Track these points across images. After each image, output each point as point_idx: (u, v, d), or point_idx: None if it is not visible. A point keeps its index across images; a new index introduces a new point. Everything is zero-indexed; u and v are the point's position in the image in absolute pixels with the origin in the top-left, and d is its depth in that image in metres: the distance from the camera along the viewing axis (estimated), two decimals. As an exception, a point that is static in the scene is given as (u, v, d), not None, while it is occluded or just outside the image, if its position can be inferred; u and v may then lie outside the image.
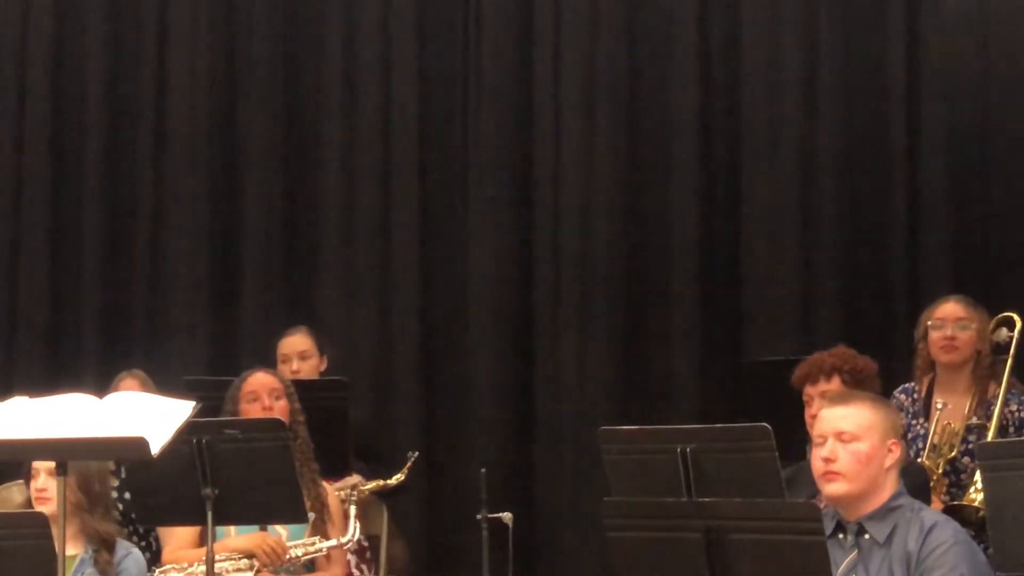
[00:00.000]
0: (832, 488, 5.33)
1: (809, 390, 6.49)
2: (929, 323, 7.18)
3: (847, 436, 5.32)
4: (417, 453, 7.83)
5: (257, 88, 9.27)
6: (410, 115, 9.12)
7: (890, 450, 5.42)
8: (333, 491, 7.00)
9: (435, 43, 9.20)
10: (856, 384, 6.40)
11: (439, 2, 9.23)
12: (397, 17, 9.19)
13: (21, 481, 6.75)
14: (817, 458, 5.36)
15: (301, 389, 7.18)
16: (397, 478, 7.58)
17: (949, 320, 7.14)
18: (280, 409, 6.80)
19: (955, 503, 6.59)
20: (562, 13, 8.99)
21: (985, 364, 7.11)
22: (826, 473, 5.32)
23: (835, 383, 6.44)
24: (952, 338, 7.13)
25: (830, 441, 5.32)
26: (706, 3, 8.91)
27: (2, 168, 9.41)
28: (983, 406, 7.03)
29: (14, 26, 9.47)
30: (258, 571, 6.59)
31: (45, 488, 6.22)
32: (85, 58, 9.41)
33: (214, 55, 9.33)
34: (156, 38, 9.40)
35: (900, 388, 7.26)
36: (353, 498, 7.17)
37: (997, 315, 7.19)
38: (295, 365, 7.90)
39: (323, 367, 8.06)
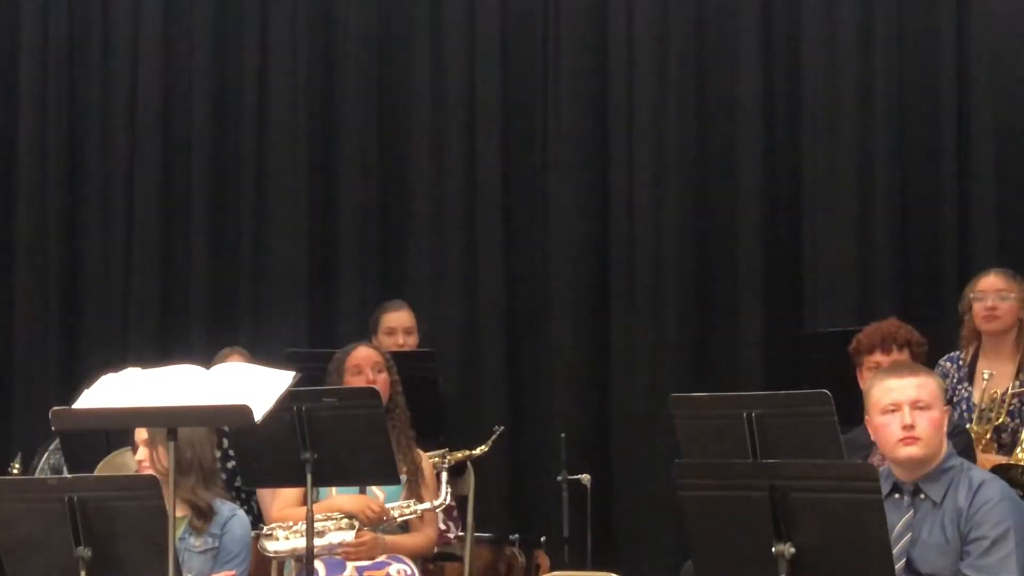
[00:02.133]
0: (911, 451, 5.34)
1: (879, 358, 6.46)
2: (972, 295, 7.15)
3: (922, 404, 5.34)
4: (502, 427, 7.84)
5: (352, 84, 9.26)
6: (493, 107, 9.10)
7: (945, 415, 5.43)
8: (427, 457, 7.00)
9: (517, 37, 9.17)
10: (916, 356, 6.43)
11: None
12: (482, 12, 9.15)
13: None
14: (891, 424, 5.35)
15: (396, 359, 7.17)
16: (482, 449, 7.63)
17: (990, 292, 7.11)
18: (381, 381, 6.81)
19: (1001, 463, 6.52)
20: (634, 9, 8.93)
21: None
22: (905, 438, 5.32)
23: (905, 354, 6.45)
24: (993, 308, 7.10)
25: (907, 409, 5.33)
26: (769, 10, 8.86)
27: (115, 157, 9.42)
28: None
29: (125, 33, 9.51)
30: (359, 530, 6.59)
31: (143, 459, 6.24)
32: (191, 56, 9.44)
33: (312, 55, 9.33)
34: (258, 39, 9.41)
35: (945, 356, 7.22)
36: (444, 465, 7.19)
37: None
38: (400, 339, 7.93)
39: (415, 343, 8.05)
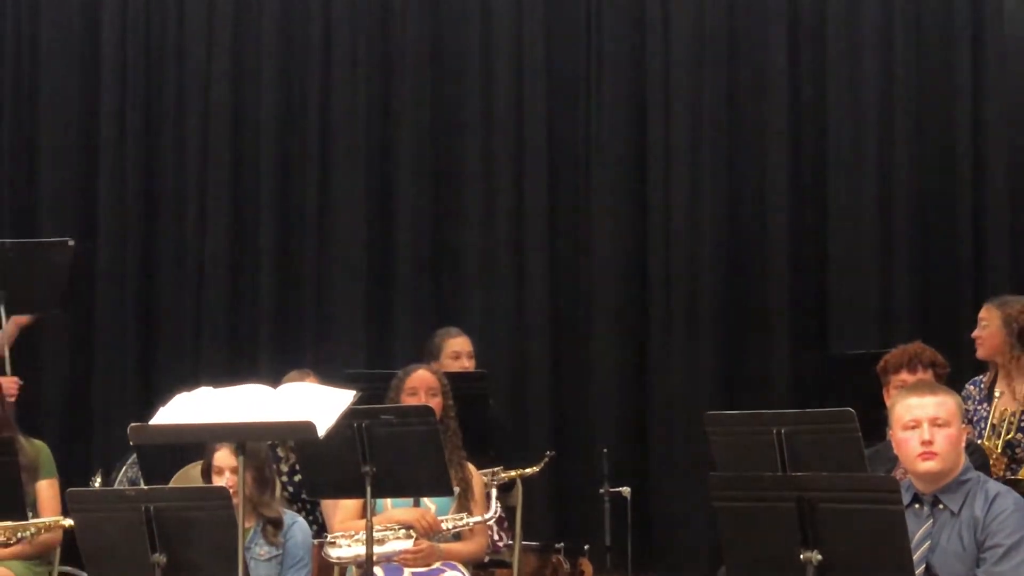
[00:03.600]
0: (929, 465, 5.32)
1: (905, 376, 6.45)
2: None
3: (941, 421, 5.33)
4: (553, 453, 7.84)
5: (407, 131, 9.29)
6: (539, 143, 9.13)
7: (963, 432, 5.43)
8: (478, 474, 7.01)
9: (561, 75, 9.19)
10: (939, 377, 6.40)
11: (562, 30, 9.20)
12: (528, 45, 9.16)
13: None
14: (911, 439, 5.34)
15: (449, 380, 7.19)
16: (532, 470, 7.60)
17: (979, 322, 7.19)
18: (436, 404, 6.80)
19: (1012, 477, 6.51)
20: (671, 41, 8.96)
21: (1019, 353, 7.05)
22: (924, 453, 5.32)
23: (929, 374, 6.42)
24: (976, 337, 7.17)
25: (926, 425, 5.32)
26: (796, 38, 8.87)
27: (188, 184, 9.45)
28: None
29: (197, 41, 9.52)
30: (415, 540, 6.61)
31: (221, 470, 6.27)
32: (259, 105, 9.45)
33: (371, 120, 9.34)
34: (321, 58, 9.42)
35: (971, 380, 7.23)
36: (495, 482, 7.21)
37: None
38: (465, 362, 7.90)
39: (471, 363, 8.06)
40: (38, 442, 7.28)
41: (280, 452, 7.25)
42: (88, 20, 9.58)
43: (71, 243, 7.81)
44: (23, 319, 7.94)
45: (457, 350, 7.94)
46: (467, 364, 7.87)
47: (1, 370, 7.64)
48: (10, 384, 7.61)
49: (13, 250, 7.58)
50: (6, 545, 6.90)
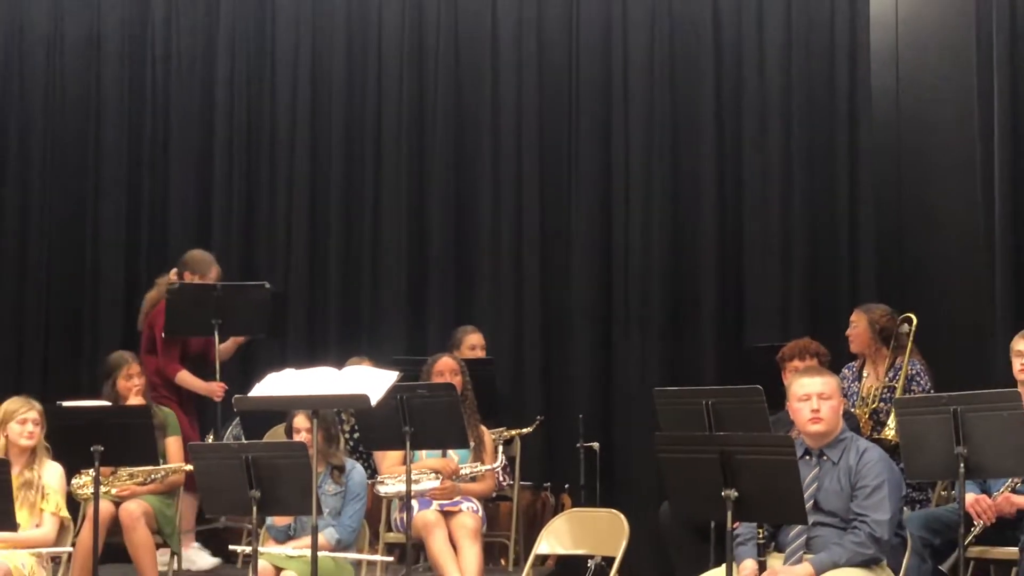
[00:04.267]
0: (817, 427, 5.36)
1: (796, 363, 6.49)
2: None
3: (825, 395, 5.37)
4: (542, 417, 7.95)
5: (436, 170, 9.20)
6: (533, 188, 9.06)
7: (840, 403, 5.46)
8: (488, 432, 7.03)
9: (549, 133, 9.13)
10: (822, 363, 6.44)
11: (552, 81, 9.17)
12: (527, 110, 9.12)
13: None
14: (803, 408, 5.37)
15: (467, 364, 7.21)
16: (527, 430, 7.65)
17: (851, 323, 7.24)
18: (457, 382, 6.84)
19: (876, 436, 6.53)
20: (630, 119, 8.94)
21: (883, 345, 7.06)
22: (813, 419, 5.35)
23: (815, 361, 6.46)
24: (848, 335, 7.23)
25: (814, 399, 5.36)
26: (720, 107, 8.81)
27: (278, 224, 9.39)
28: (892, 371, 6.99)
29: (285, 90, 9.43)
30: (442, 481, 6.62)
31: (300, 430, 6.27)
32: (329, 139, 9.40)
33: (410, 140, 9.24)
34: (373, 123, 9.33)
35: (846, 365, 7.26)
36: (500, 440, 7.25)
37: (904, 314, 7.12)
38: (479, 352, 7.90)
39: (483, 352, 8.07)
40: (166, 408, 7.33)
41: (344, 416, 7.26)
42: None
43: (267, 286, 7.89)
44: (239, 339, 8.04)
45: (474, 343, 7.96)
46: (480, 353, 7.89)
47: (214, 376, 7.72)
48: (218, 388, 7.69)
49: (222, 290, 7.64)
50: (143, 484, 6.94)
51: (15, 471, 6.08)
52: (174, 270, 7.97)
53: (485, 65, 9.17)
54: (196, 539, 7.71)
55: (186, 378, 7.73)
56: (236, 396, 6.26)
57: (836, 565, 5.13)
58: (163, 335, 7.66)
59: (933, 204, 8.57)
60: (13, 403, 6.38)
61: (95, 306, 9.50)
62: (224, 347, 7.82)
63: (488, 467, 6.86)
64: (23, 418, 6.30)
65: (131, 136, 9.57)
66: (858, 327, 7.14)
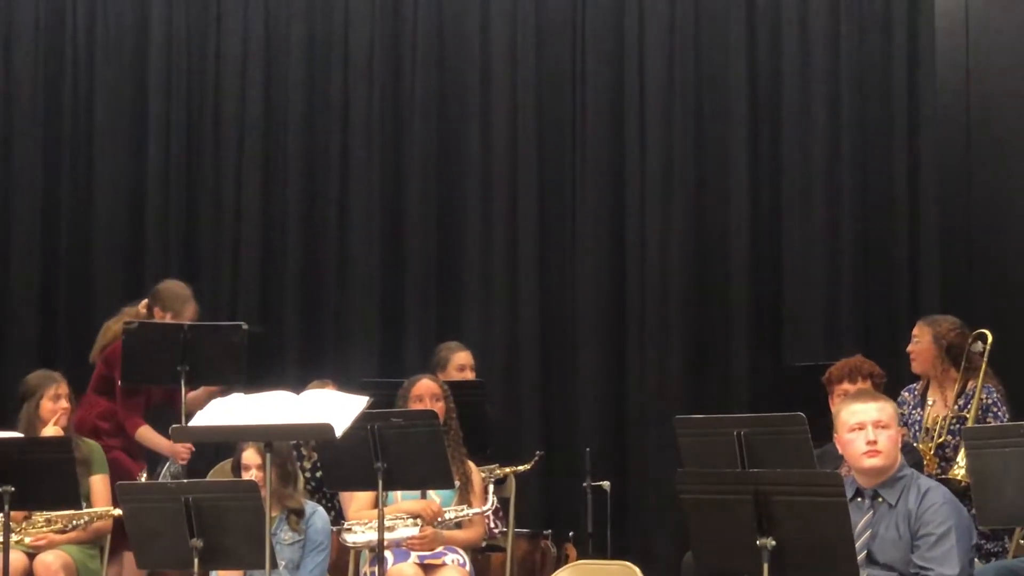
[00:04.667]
0: (874, 462, 5.35)
1: (847, 386, 6.50)
2: None
3: (882, 423, 5.35)
4: (542, 453, 7.87)
5: (416, 162, 9.24)
6: (531, 188, 9.12)
7: (899, 433, 5.46)
8: (477, 470, 7.01)
9: (549, 127, 9.17)
10: (876, 386, 6.44)
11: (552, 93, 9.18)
12: (521, 71, 9.17)
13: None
14: (857, 439, 5.36)
15: (452, 388, 7.18)
16: (524, 467, 7.62)
17: (913, 339, 7.19)
18: (439, 408, 6.80)
19: (942, 476, 6.50)
20: (646, 103, 8.96)
21: (952, 366, 7.02)
22: (869, 452, 5.34)
23: (868, 383, 6.46)
24: (910, 352, 7.17)
25: (870, 428, 5.35)
26: (755, 99, 8.88)
27: (224, 229, 9.41)
28: (963, 397, 6.94)
29: (233, 80, 9.47)
30: (422, 528, 6.60)
31: (249, 466, 6.24)
32: (286, 139, 9.41)
33: (384, 169, 9.30)
34: (341, 114, 9.38)
35: (906, 388, 7.22)
36: (491, 479, 7.22)
37: (977, 329, 7.09)
38: (468, 373, 7.91)
39: (471, 373, 8.06)
40: (91, 441, 7.28)
41: (304, 450, 7.23)
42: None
43: (245, 326, 7.78)
44: (212, 388, 7.81)
45: (462, 363, 7.96)
46: (469, 374, 7.89)
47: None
48: (184, 450, 7.52)
49: (190, 331, 7.53)
50: (63, 531, 6.90)
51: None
52: (144, 301, 7.90)
53: (472, 48, 9.25)
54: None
55: (148, 435, 7.63)
56: (174, 427, 6.23)
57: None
58: (120, 383, 7.59)
59: (1009, 199, 8.59)
60: None
61: (2, 322, 9.52)
62: (193, 396, 7.69)
63: (476, 511, 6.82)
64: None
65: (47, 128, 9.56)
66: (921, 343, 7.11)
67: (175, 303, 7.85)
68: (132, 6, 9.56)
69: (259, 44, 9.41)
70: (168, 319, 7.77)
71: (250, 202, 9.36)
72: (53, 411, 7.11)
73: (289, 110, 9.38)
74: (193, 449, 7.55)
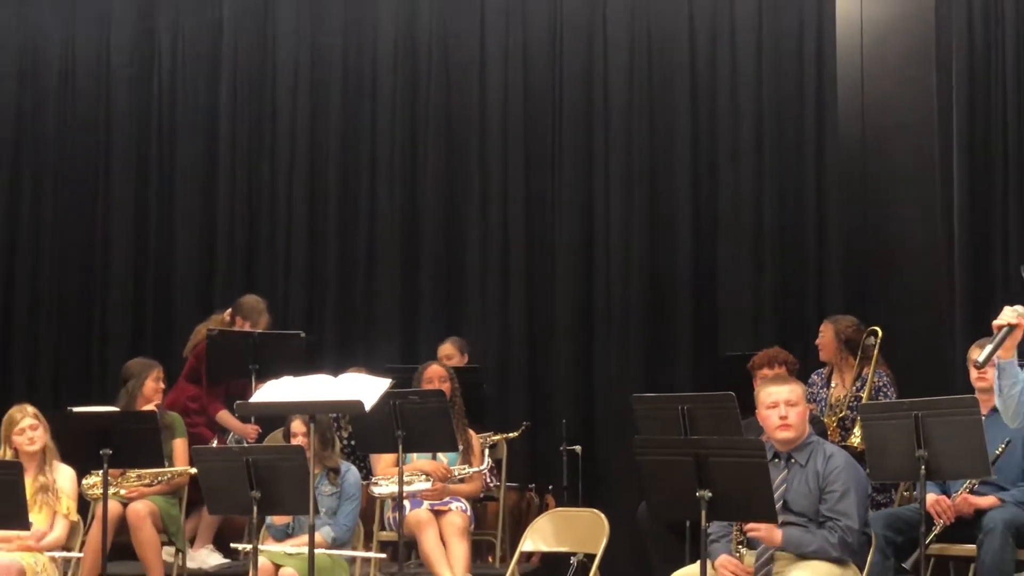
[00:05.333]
0: (785, 434, 5.35)
1: (767, 371, 6.51)
2: None
3: (792, 402, 5.35)
4: (528, 424, 7.92)
5: (428, 195, 9.19)
6: (518, 211, 9.03)
7: (807, 409, 5.45)
8: (476, 437, 7.03)
9: (534, 162, 9.09)
10: (790, 371, 6.46)
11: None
12: (512, 138, 9.09)
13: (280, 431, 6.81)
14: (772, 415, 5.36)
15: (456, 372, 7.21)
16: (514, 435, 7.62)
17: (819, 333, 7.19)
18: (445, 388, 6.83)
19: (843, 443, 6.52)
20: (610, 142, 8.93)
21: (850, 355, 7.02)
22: (781, 425, 5.34)
23: (782, 369, 6.46)
24: (818, 344, 7.18)
25: (782, 405, 5.35)
26: (697, 137, 8.81)
27: (277, 244, 9.34)
28: (859, 380, 6.96)
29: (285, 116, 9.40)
30: (432, 482, 6.61)
31: (296, 434, 6.25)
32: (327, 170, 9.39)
33: (404, 165, 9.21)
34: (370, 141, 9.31)
35: (815, 372, 7.22)
36: (487, 443, 7.25)
37: (870, 327, 7.10)
38: (455, 361, 7.89)
39: (464, 361, 8.05)
40: (173, 413, 7.27)
41: (341, 421, 7.24)
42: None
43: (302, 335, 7.81)
44: None
45: (445, 353, 7.99)
46: (457, 362, 7.84)
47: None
48: (252, 431, 7.60)
49: (260, 338, 7.56)
50: (150, 485, 6.91)
51: (31, 476, 6.05)
52: (228, 310, 7.91)
53: (473, 92, 9.15)
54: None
55: (226, 418, 7.63)
56: (238, 402, 6.26)
57: (803, 547, 5.14)
58: (205, 378, 7.61)
59: (896, 225, 8.55)
60: (10, 416, 6.33)
61: (103, 319, 9.49)
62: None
63: (476, 469, 6.85)
64: (20, 428, 6.25)
65: (139, 156, 9.55)
66: (825, 336, 7.13)
67: (252, 314, 7.86)
68: (205, 70, 9.52)
69: (305, 99, 9.34)
70: (247, 327, 7.77)
71: (297, 227, 9.29)
72: (155, 391, 7.12)
73: (330, 148, 9.33)
74: (260, 431, 7.57)
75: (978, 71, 8.14)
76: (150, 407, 6.97)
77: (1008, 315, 4.25)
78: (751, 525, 5.15)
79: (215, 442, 7.50)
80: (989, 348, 4.28)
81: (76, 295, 9.55)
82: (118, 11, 9.57)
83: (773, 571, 5.17)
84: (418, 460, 6.75)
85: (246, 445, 7.07)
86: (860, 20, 9.01)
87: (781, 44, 8.67)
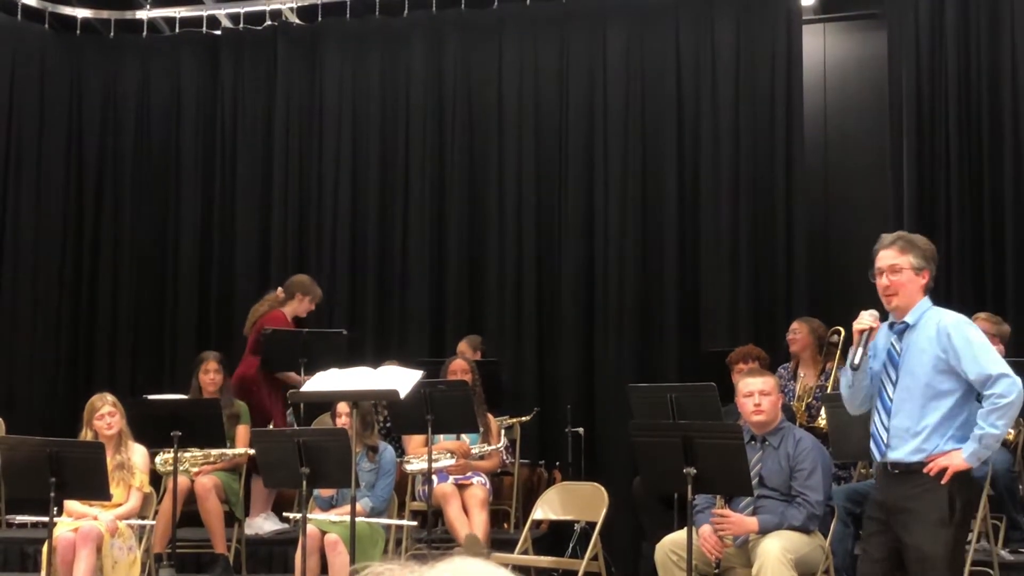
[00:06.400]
0: (759, 419, 5.34)
1: (742, 365, 6.49)
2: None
3: (765, 392, 5.34)
4: (538, 409, 7.94)
5: (454, 215, 9.17)
6: (530, 232, 9.03)
7: (779, 399, 5.42)
8: (494, 420, 7.04)
9: (543, 193, 9.08)
10: (763, 365, 6.45)
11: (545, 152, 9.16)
12: (526, 176, 9.09)
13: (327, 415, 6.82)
14: (748, 403, 5.36)
15: (477, 365, 7.22)
16: (526, 418, 7.65)
17: (792, 331, 7.10)
18: (468, 379, 6.85)
19: (810, 425, 6.51)
20: (609, 174, 8.93)
21: (818, 351, 7.00)
22: (755, 411, 5.32)
23: (755, 364, 6.43)
24: (792, 340, 7.09)
25: (756, 395, 5.34)
26: (683, 164, 8.81)
27: (339, 272, 9.35)
28: (824, 374, 6.94)
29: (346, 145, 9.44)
30: (456, 459, 6.63)
31: (346, 423, 6.29)
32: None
33: (430, 169, 9.24)
34: (403, 183, 9.34)
35: (781, 366, 7.18)
36: (503, 426, 7.25)
37: (834, 327, 7.09)
38: (468, 355, 7.83)
39: (478, 356, 7.98)
40: (240, 402, 7.29)
41: (379, 407, 7.25)
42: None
43: (344, 332, 7.79)
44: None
45: (461, 350, 7.97)
46: (470, 356, 7.78)
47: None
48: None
49: (308, 335, 7.54)
50: (214, 463, 6.94)
51: (109, 455, 6.09)
52: (279, 289, 7.84)
53: (492, 126, 9.16)
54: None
55: (282, 376, 7.63)
56: (291, 391, 6.27)
57: (779, 527, 5.13)
58: (260, 369, 7.55)
59: (856, 229, 8.54)
60: (92, 403, 6.35)
61: (174, 319, 9.58)
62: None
63: (493, 447, 6.86)
64: (100, 414, 6.28)
65: (204, 184, 9.65)
66: (801, 334, 7.06)
67: (310, 288, 7.80)
68: (262, 106, 9.59)
69: (347, 132, 9.38)
70: (306, 301, 7.72)
71: (341, 241, 9.31)
72: (209, 380, 7.15)
73: (370, 179, 9.35)
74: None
75: (924, 106, 8.12)
76: (213, 395, 7.00)
77: (867, 320, 4.37)
78: (724, 525, 5.13)
79: (271, 425, 7.53)
80: (859, 351, 4.35)
81: (150, 299, 9.64)
82: (186, 61, 9.73)
83: (750, 539, 5.18)
84: (444, 440, 6.76)
85: (297, 428, 7.10)
86: (824, 60, 9.08)
87: (756, 79, 8.64)
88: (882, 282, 4.40)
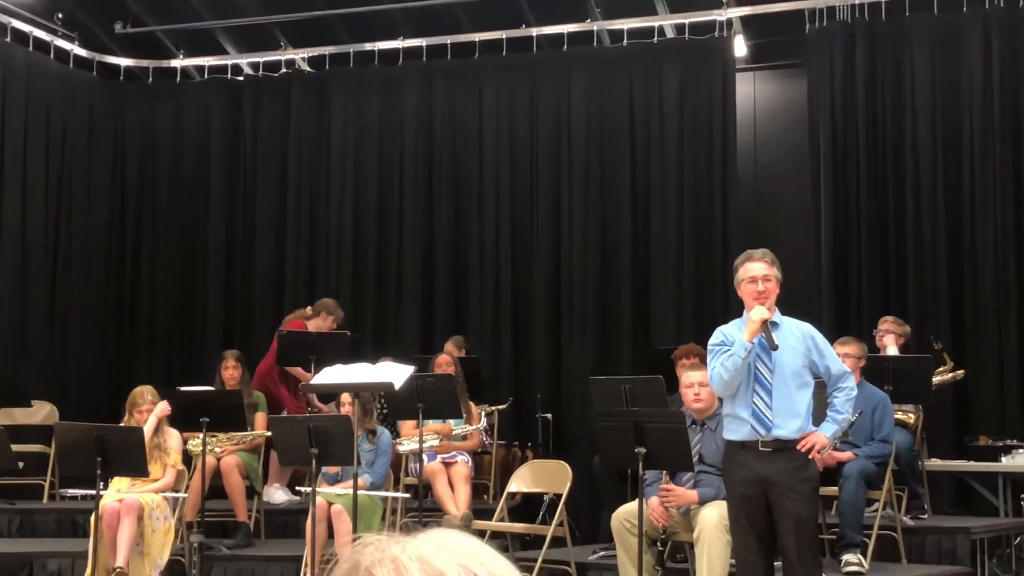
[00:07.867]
0: (698, 406, 5.32)
1: (685, 361, 6.42)
2: None
3: (704, 383, 5.28)
4: (513, 397, 7.92)
5: (441, 230, 9.15)
6: (506, 251, 8.97)
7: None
8: (475, 407, 7.00)
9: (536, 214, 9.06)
10: (702, 361, 6.31)
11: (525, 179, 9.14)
12: (519, 203, 9.04)
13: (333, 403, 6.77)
14: (689, 392, 5.35)
15: (460, 361, 7.18)
16: (503, 406, 7.61)
17: None
18: (452, 372, 6.79)
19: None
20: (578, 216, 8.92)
21: None
22: (695, 399, 5.32)
23: (696, 359, 6.38)
24: None
25: (696, 386, 5.32)
26: (635, 193, 8.81)
27: (342, 286, 9.31)
28: None
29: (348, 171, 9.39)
30: (442, 440, 6.59)
31: (345, 403, 6.24)
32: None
33: (420, 189, 9.23)
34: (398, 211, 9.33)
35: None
36: (483, 411, 7.18)
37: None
38: (454, 354, 7.77)
39: (462, 353, 7.94)
40: (258, 392, 7.24)
41: (377, 397, 7.21)
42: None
43: (349, 334, 7.69)
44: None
45: (447, 348, 7.86)
46: (456, 353, 7.71)
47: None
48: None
49: (316, 336, 7.45)
50: (236, 445, 6.89)
51: (147, 438, 6.04)
52: (310, 308, 7.87)
53: (473, 161, 9.11)
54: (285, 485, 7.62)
55: (296, 371, 7.61)
56: (302, 384, 6.23)
57: (716, 498, 5.12)
58: (276, 363, 7.52)
59: (780, 253, 8.48)
60: (133, 396, 6.31)
61: (203, 320, 9.52)
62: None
63: (474, 427, 6.83)
64: (140, 409, 6.23)
65: (228, 207, 9.60)
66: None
67: (334, 310, 7.82)
68: (278, 141, 9.54)
69: (351, 164, 9.35)
70: (330, 320, 7.71)
71: (345, 256, 9.24)
72: (230, 376, 7.10)
73: (368, 203, 9.29)
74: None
75: (838, 142, 8.18)
76: (233, 387, 6.96)
77: (763, 313, 4.40)
78: (669, 497, 5.11)
79: (284, 412, 7.48)
80: (772, 336, 4.36)
81: (182, 305, 9.57)
82: (214, 103, 9.67)
83: (692, 508, 5.17)
84: (432, 424, 6.72)
85: (307, 415, 7.05)
86: (754, 103, 9.12)
87: (698, 119, 8.64)
88: (758, 288, 4.45)
